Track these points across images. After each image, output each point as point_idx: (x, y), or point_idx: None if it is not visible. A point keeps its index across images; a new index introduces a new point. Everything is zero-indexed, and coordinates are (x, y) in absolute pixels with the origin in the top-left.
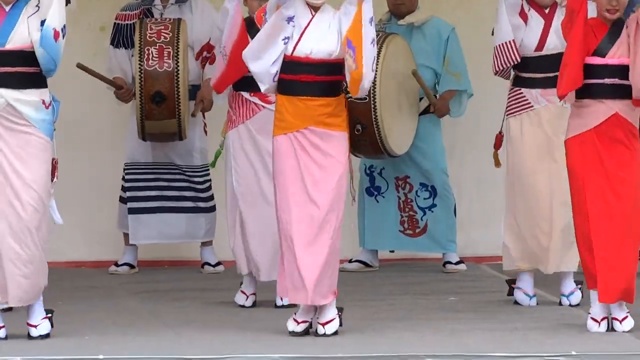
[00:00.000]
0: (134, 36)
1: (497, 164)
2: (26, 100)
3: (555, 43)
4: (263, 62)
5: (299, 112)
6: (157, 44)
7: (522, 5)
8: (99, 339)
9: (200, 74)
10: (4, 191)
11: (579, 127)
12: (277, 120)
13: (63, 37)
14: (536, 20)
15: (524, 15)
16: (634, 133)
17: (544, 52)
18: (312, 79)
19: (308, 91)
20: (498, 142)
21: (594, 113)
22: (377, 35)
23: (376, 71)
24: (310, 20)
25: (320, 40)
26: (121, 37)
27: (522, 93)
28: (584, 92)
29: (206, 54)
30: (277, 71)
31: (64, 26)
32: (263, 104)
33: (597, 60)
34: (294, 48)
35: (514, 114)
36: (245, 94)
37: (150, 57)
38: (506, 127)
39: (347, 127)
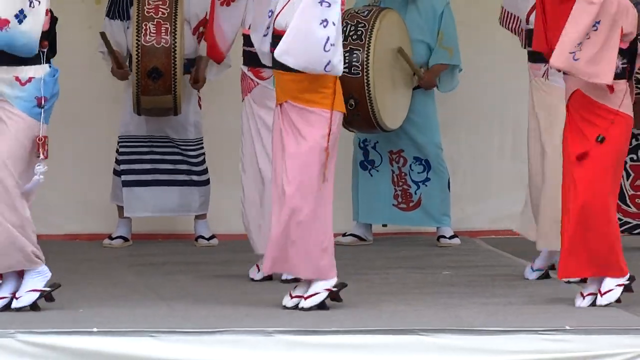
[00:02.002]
0: (131, 10)
1: None
2: None
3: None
4: (257, 35)
5: (279, 84)
6: (155, 20)
7: None
8: (93, 312)
9: (196, 49)
10: None
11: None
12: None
13: (20, 21)
14: None
15: None
16: (597, 112)
17: (529, 26)
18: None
19: (279, 65)
20: None
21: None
22: (371, 10)
23: (369, 45)
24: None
25: (293, 14)
26: (117, 8)
27: None
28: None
29: (202, 29)
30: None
31: (20, 10)
32: (257, 79)
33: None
34: (274, 21)
35: None
36: (244, 68)
37: (148, 33)
38: None
39: (333, 104)
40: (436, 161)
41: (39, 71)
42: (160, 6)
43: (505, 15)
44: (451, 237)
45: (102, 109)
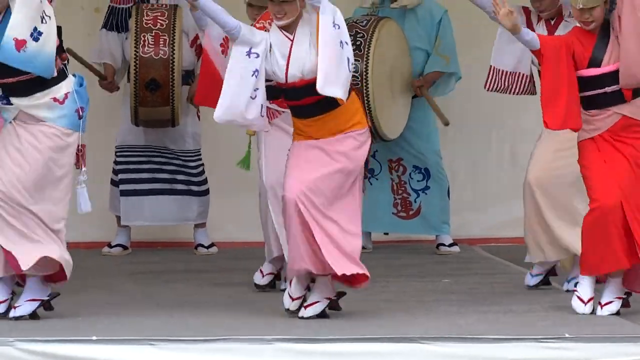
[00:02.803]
0: (129, 21)
1: None
2: (37, 104)
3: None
4: (241, 108)
5: (315, 129)
6: (153, 31)
7: (530, 21)
8: (93, 320)
9: (194, 61)
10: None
11: (592, 132)
12: (295, 132)
13: (36, 39)
14: (541, 30)
15: (529, 24)
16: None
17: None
18: (315, 99)
19: (317, 111)
20: None
21: (604, 119)
22: (369, 20)
23: (368, 56)
24: (291, 45)
25: (305, 60)
26: (115, 20)
27: None
28: (590, 104)
29: (200, 41)
30: (262, 105)
31: (35, 28)
32: (281, 109)
33: (593, 72)
34: (286, 76)
35: None
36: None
37: (146, 44)
38: None
39: (364, 121)
40: (436, 169)
41: (69, 84)
42: (159, 17)
43: (497, 75)
44: (450, 245)
45: (100, 118)
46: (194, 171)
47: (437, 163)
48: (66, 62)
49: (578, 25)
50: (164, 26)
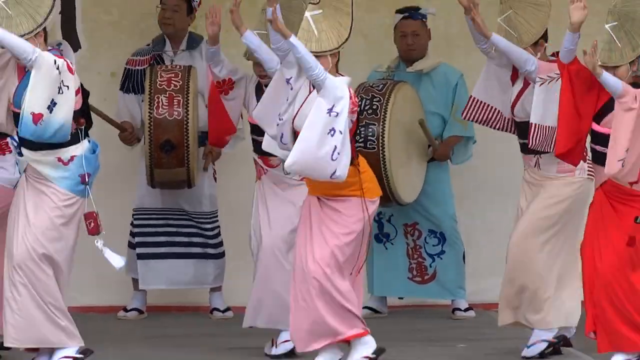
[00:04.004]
0: (144, 82)
1: None
2: (42, 160)
3: (519, 112)
4: (272, 123)
5: (313, 186)
6: (167, 92)
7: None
8: None
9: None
10: (11, 231)
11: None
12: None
13: (51, 110)
14: (517, 86)
15: (514, 76)
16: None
17: (514, 117)
18: None
19: None
20: None
21: (600, 176)
22: (385, 84)
23: (385, 119)
24: (307, 97)
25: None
26: (131, 82)
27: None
28: (593, 156)
29: None
30: (282, 133)
31: (52, 101)
32: (266, 167)
33: (595, 127)
34: (293, 120)
35: None
36: (254, 155)
37: (160, 105)
38: None
39: (363, 191)
40: (451, 233)
41: (79, 149)
42: (173, 79)
43: (476, 105)
44: (466, 310)
45: (117, 181)
46: (210, 233)
47: (453, 227)
48: (82, 126)
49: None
50: (178, 87)
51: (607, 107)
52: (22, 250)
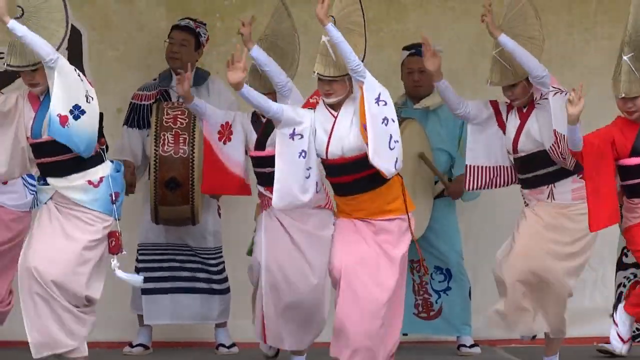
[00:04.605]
0: (150, 118)
1: None
2: (72, 186)
3: (525, 145)
4: (295, 191)
5: (352, 208)
6: (174, 130)
7: (499, 113)
8: None
9: None
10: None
11: (636, 219)
12: (337, 208)
13: (76, 117)
14: (513, 123)
15: (502, 125)
16: None
17: (518, 154)
18: (352, 178)
19: (355, 189)
20: None
21: None
22: None
23: None
24: (334, 122)
25: (346, 138)
26: (136, 116)
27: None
28: (632, 193)
29: None
30: (316, 182)
31: (75, 105)
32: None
33: (635, 161)
34: (326, 152)
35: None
36: (260, 188)
37: (166, 143)
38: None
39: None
40: (457, 270)
41: (105, 169)
42: (179, 116)
43: (475, 172)
44: (472, 346)
45: (122, 216)
46: (215, 269)
47: (459, 264)
48: (104, 147)
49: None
50: (184, 125)
51: (637, 142)
52: (60, 268)
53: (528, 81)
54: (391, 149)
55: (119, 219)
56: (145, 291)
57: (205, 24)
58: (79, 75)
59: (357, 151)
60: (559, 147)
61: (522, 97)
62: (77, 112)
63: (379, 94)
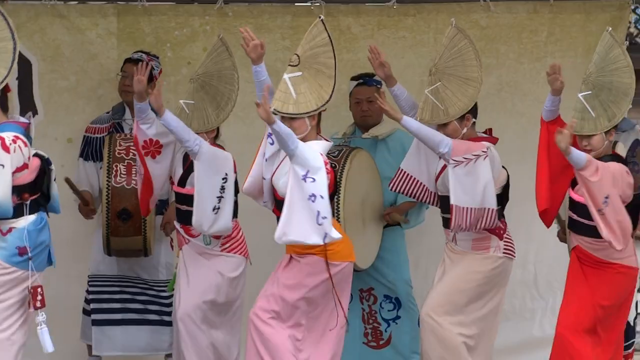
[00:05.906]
0: (103, 150)
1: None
2: None
3: (442, 185)
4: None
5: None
6: (126, 161)
7: None
8: None
9: (168, 189)
10: None
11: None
12: None
13: None
14: (442, 159)
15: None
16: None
17: (439, 192)
18: (278, 214)
19: None
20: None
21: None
22: (341, 150)
23: (340, 187)
24: (285, 157)
25: (283, 177)
26: (90, 150)
27: None
28: (569, 223)
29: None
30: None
31: None
32: (187, 236)
33: (570, 193)
34: (272, 175)
35: None
36: (177, 225)
37: (118, 174)
38: None
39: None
40: (406, 299)
41: (20, 222)
42: (132, 148)
43: (404, 177)
44: None
45: (71, 248)
46: (166, 301)
47: (408, 293)
48: (27, 201)
49: None
50: (137, 156)
51: None
52: None
53: (461, 120)
54: (319, 225)
55: (48, 268)
56: (95, 322)
57: (158, 57)
58: None
59: (283, 193)
60: (455, 219)
61: (453, 136)
62: None
63: (309, 171)
